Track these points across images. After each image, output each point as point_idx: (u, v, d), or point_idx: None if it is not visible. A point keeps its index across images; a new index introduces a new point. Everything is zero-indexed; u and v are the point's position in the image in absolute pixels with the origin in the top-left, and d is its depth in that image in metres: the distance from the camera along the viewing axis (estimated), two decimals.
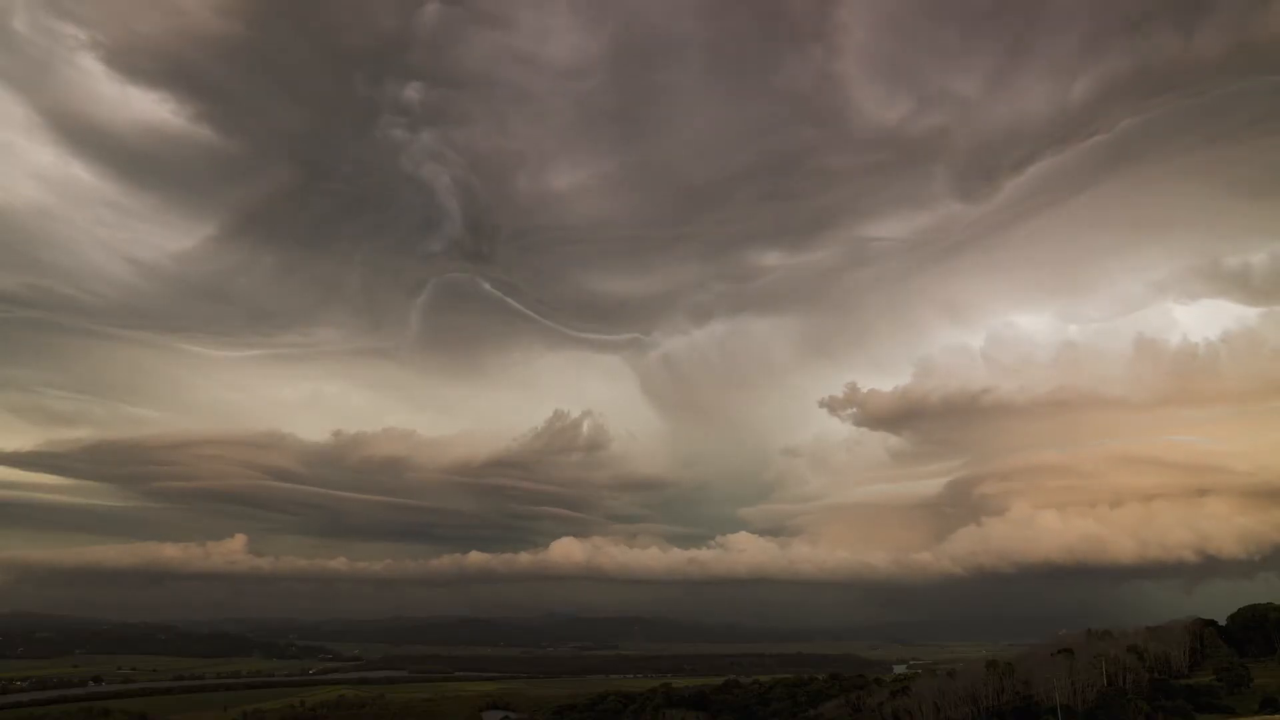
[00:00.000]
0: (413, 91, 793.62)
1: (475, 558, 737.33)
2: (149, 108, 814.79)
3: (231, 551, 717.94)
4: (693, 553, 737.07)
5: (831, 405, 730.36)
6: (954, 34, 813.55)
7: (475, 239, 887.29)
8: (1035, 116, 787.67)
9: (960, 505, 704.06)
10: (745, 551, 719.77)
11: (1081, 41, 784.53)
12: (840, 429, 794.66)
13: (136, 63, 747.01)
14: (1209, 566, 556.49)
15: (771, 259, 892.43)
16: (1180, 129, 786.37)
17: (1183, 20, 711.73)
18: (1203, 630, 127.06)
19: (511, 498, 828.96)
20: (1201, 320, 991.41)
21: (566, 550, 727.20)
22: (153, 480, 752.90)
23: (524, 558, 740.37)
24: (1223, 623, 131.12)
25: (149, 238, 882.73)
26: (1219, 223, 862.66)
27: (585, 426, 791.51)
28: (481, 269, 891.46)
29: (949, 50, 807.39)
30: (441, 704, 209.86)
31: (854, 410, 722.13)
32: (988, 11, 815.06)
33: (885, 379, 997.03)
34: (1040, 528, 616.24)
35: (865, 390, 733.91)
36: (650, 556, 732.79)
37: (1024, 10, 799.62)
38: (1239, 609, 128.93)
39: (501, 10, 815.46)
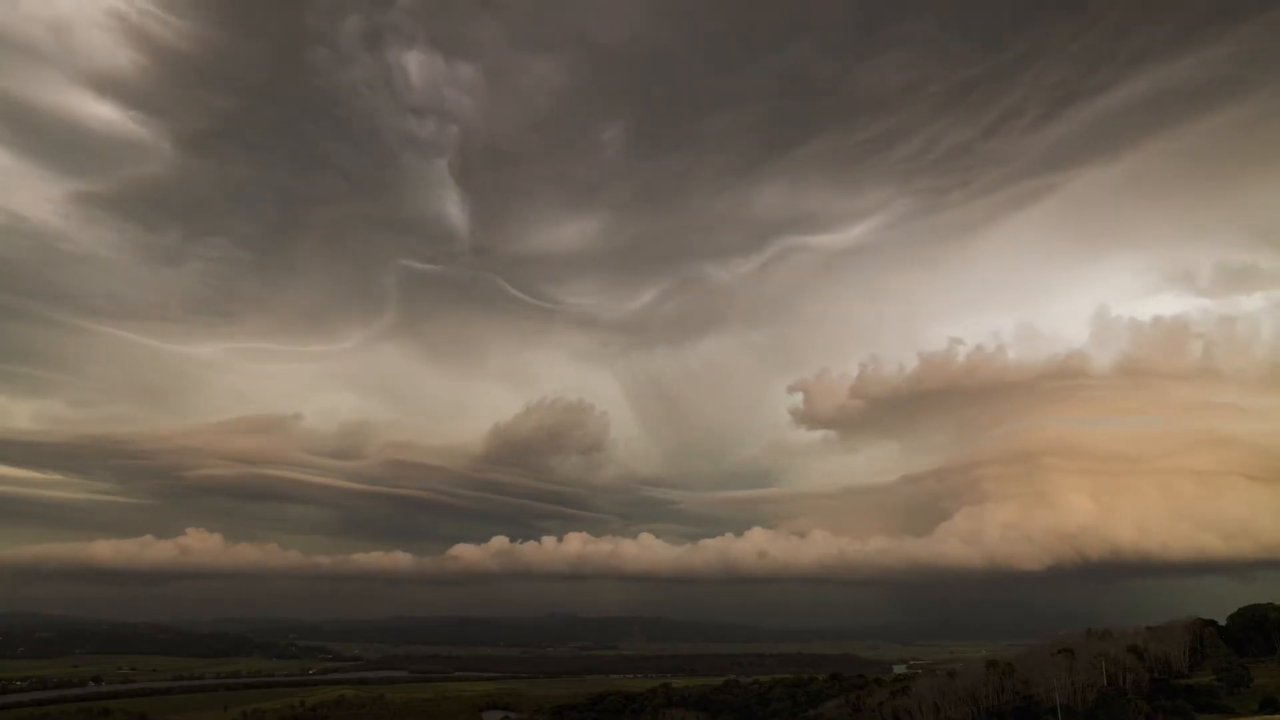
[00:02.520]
0: (422, 129, 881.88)
1: (475, 554, 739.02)
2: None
3: (231, 549, 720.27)
4: (693, 551, 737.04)
5: (805, 391, 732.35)
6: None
7: (476, 248, 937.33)
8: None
9: (942, 496, 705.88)
10: (745, 548, 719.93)
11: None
12: (820, 415, 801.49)
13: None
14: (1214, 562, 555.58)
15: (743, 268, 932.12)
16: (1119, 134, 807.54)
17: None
18: (1202, 630, 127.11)
19: (512, 494, 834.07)
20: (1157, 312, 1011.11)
21: (566, 548, 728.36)
22: (150, 477, 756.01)
23: (523, 555, 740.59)
24: (1222, 623, 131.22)
25: (150, 235, 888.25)
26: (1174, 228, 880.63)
27: (585, 420, 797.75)
28: (483, 269, 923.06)
29: None
30: (441, 704, 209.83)
31: (827, 398, 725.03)
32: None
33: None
34: (1026, 519, 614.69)
35: (836, 375, 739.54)
36: (650, 555, 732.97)
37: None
38: (1239, 609, 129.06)
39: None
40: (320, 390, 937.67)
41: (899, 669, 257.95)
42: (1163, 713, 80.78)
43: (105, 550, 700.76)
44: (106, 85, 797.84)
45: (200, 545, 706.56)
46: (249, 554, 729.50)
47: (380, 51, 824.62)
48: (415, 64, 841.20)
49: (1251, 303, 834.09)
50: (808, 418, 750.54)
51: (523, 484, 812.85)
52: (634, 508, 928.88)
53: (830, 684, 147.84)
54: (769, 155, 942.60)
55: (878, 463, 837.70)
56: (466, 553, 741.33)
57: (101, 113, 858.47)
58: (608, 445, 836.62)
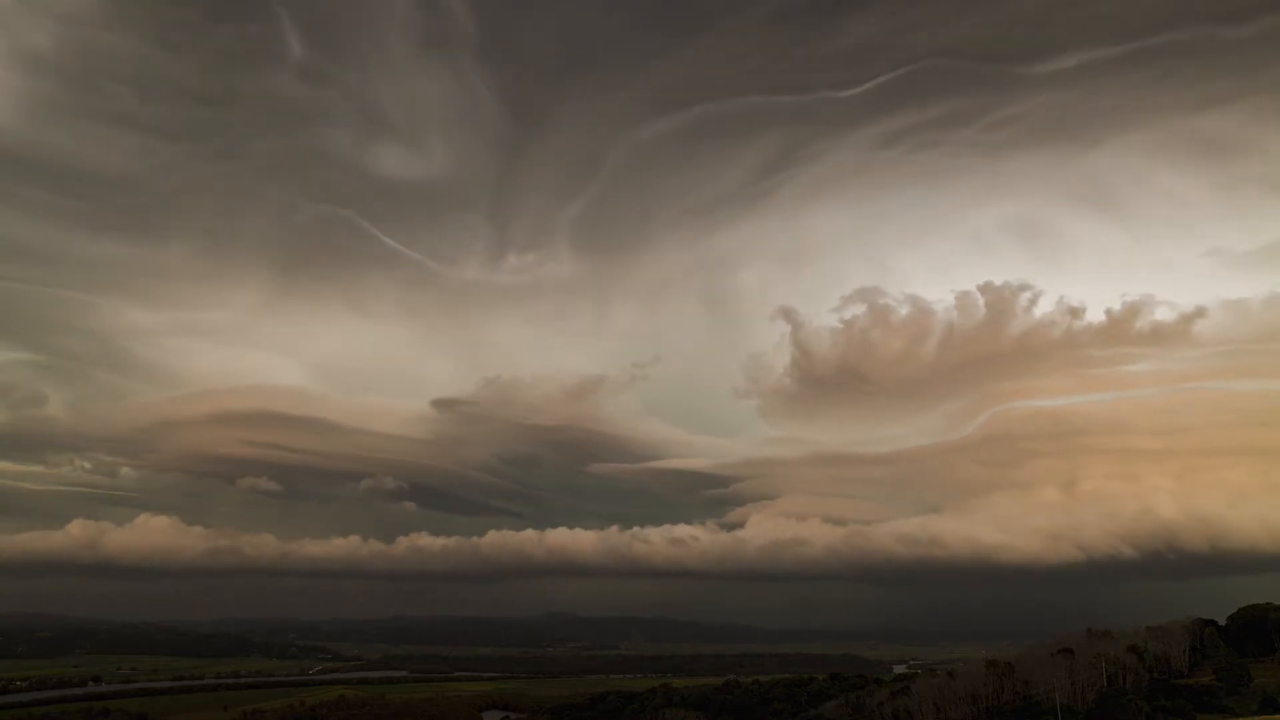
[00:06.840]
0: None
1: (474, 552, 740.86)
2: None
3: (230, 547, 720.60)
4: (694, 549, 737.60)
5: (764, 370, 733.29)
6: None
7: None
8: None
9: (931, 486, 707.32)
10: (744, 543, 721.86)
11: None
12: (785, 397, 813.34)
13: None
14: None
15: None
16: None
17: None
18: (1202, 630, 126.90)
19: (512, 482, 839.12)
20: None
21: (566, 545, 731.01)
22: (145, 458, 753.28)
23: (527, 551, 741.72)
24: (1222, 623, 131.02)
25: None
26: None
27: (583, 416, 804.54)
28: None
29: None
30: (441, 704, 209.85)
31: (793, 349, 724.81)
32: None
33: None
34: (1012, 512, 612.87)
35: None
36: (651, 554, 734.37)
37: None
38: (1239, 609, 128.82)
39: None
40: (318, 377, 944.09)
41: (899, 669, 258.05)
42: (1163, 713, 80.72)
43: (104, 545, 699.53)
44: None
45: (202, 542, 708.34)
46: (247, 550, 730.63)
47: None
48: None
49: None
50: (784, 398, 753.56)
51: (521, 478, 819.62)
52: (631, 505, 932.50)
53: (830, 684, 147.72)
54: None
55: (856, 436, 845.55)
56: (467, 543, 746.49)
57: None
58: (605, 443, 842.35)
